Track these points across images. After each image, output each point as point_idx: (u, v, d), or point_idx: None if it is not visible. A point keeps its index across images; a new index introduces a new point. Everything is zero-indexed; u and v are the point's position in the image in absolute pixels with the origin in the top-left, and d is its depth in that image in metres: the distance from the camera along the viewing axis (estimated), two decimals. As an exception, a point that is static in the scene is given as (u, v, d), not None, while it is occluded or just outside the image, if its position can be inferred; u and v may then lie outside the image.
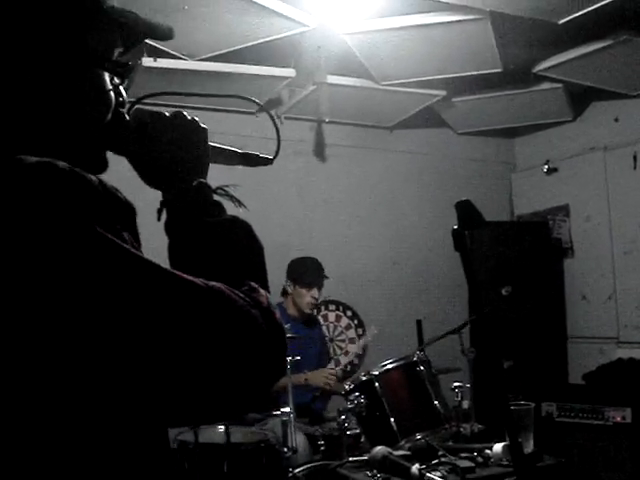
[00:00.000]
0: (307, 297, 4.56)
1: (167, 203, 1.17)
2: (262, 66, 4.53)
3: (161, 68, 4.20)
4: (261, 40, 4.06)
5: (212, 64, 4.37)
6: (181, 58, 4.23)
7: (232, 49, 4.16)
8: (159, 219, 1.17)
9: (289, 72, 4.63)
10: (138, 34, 1.11)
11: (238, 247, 1.12)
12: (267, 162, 1.33)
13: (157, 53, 4.10)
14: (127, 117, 1.14)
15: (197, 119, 1.21)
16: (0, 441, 0.86)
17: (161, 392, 0.90)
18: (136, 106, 1.20)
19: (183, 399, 0.92)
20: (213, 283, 0.96)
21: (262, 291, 1.04)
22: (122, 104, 1.12)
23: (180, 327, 0.89)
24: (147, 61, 4.12)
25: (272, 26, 3.89)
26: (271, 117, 1.36)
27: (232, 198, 1.24)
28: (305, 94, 4.94)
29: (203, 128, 1.21)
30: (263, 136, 4.66)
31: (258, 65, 4.51)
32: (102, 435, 0.91)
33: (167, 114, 1.18)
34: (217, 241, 1.12)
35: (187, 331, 0.89)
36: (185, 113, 1.20)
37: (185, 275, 0.94)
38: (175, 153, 1.16)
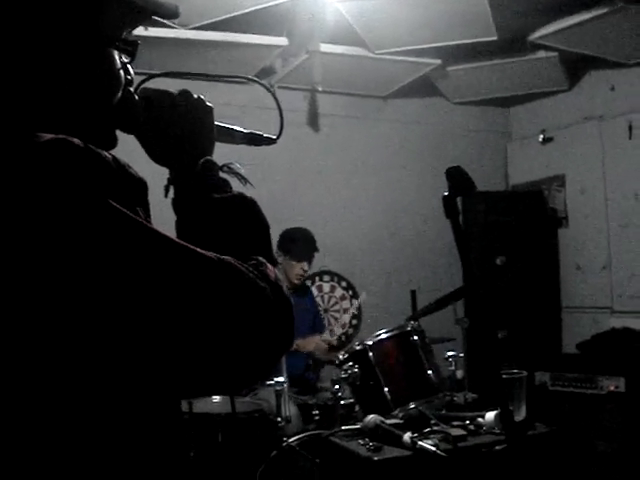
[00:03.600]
0: (296, 269, 4.56)
1: (174, 180, 1.21)
2: (254, 35, 4.48)
3: (152, 37, 4.15)
4: (253, 8, 4.01)
5: (204, 32, 4.32)
6: (172, 27, 4.18)
7: (224, 17, 4.11)
8: (166, 196, 1.21)
9: (282, 41, 4.58)
10: (146, 12, 1.13)
11: (245, 223, 1.16)
12: (271, 142, 1.36)
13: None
14: (135, 95, 1.16)
15: (203, 97, 1.24)
16: (14, 408, 0.87)
17: (172, 362, 0.91)
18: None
19: (194, 370, 0.94)
20: (224, 256, 0.98)
21: (269, 265, 1.07)
22: (130, 82, 1.14)
23: (192, 298, 0.91)
24: (138, 30, 4.05)
25: (264, -7, 3.85)
26: (277, 103, 1.36)
27: (238, 175, 1.26)
28: (298, 63, 4.90)
29: (209, 107, 1.24)
30: (257, 106, 4.71)
31: (250, 34, 4.46)
32: (115, 404, 0.93)
33: (174, 92, 1.21)
34: (224, 217, 1.15)
35: (198, 302, 0.92)
36: (191, 92, 1.22)
37: (197, 248, 0.96)
38: (182, 131, 1.19)
